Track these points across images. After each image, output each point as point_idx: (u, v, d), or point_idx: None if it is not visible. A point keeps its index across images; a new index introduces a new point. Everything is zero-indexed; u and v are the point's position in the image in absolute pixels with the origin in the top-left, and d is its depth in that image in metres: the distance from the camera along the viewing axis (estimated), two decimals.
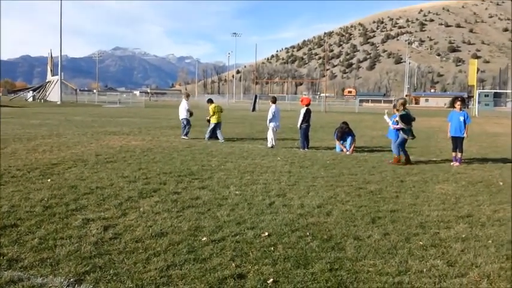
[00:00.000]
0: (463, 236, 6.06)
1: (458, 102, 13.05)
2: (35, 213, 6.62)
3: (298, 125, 15.83)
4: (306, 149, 15.46)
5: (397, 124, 12.98)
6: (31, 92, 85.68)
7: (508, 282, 4.59)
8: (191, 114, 19.40)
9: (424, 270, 4.83)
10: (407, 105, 13.49)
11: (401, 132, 12.88)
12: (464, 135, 12.78)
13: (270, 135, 16.10)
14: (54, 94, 76.59)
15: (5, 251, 5.08)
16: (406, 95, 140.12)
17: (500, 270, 4.88)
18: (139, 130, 22.15)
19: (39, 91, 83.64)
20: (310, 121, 15.98)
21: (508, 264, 5.08)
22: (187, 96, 20.59)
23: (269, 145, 15.99)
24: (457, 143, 12.79)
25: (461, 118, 12.74)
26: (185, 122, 18.99)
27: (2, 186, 8.43)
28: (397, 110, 13.13)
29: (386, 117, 14.28)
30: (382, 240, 5.80)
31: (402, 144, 12.82)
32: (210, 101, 19.03)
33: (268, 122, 16.12)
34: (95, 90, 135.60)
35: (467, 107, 62.63)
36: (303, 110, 15.84)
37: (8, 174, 9.55)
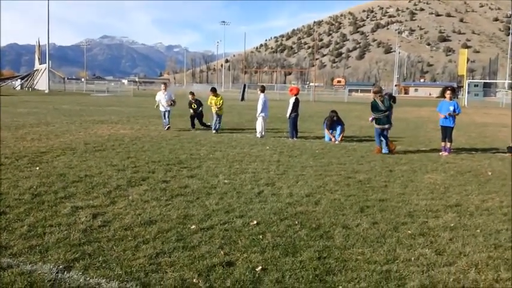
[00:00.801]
0: (452, 225, 6.12)
1: (449, 92, 13.12)
2: (23, 201, 6.58)
3: (288, 115, 15.81)
4: (295, 139, 15.47)
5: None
6: (19, 80, 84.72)
7: (496, 271, 4.64)
8: (173, 103, 18.15)
9: (412, 258, 4.87)
10: (383, 93, 13.44)
11: (374, 122, 12.95)
12: (453, 124, 12.88)
13: (259, 124, 16.07)
14: (42, 82, 75.79)
15: None
16: (396, 85, 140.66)
17: (488, 259, 4.93)
18: (127, 119, 22.04)
19: (27, 79, 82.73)
20: (298, 110, 15.98)
21: (496, 253, 5.13)
22: (165, 85, 18.82)
23: (258, 135, 15.97)
24: (447, 132, 12.87)
25: (451, 108, 12.81)
26: (167, 114, 17.69)
27: None
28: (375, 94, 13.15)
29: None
30: (371, 229, 5.83)
31: (382, 134, 12.84)
32: (214, 91, 17.76)
33: (259, 111, 16.05)
34: (83, 79, 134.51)
35: (457, 97, 63.08)
36: (292, 100, 15.81)
37: None
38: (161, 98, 17.92)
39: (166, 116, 17.59)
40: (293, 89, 16.42)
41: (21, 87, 78.53)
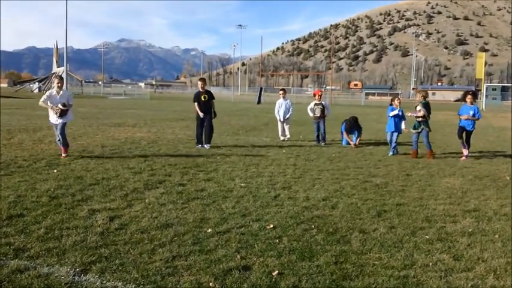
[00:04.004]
0: (470, 230, 6.04)
1: (469, 96, 12.98)
2: (41, 203, 6.64)
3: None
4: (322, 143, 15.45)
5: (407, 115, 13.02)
6: (37, 83, 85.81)
7: None
8: (63, 109, 10.91)
9: (430, 264, 4.81)
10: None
11: (423, 124, 12.73)
12: (472, 128, 12.79)
13: (287, 129, 16.35)
14: None
15: (11, 241, 5.10)
16: (413, 88, 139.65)
17: (507, 265, 4.85)
18: (144, 122, 22.17)
19: (45, 82, 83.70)
20: None
21: None
22: (60, 82, 11.20)
23: (286, 138, 16.14)
24: (465, 135, 12.76)
25: (471, 112, 12.70)
26: (59, 127, 10.99)
27: (8, 176, 8.46)
28: (422, 97, 12.96)
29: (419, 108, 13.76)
30: (388, 233, 5.78)
31: (427, 137, 12.72)
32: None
33: (289, 115, 16.40)
34: (100, 82, 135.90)
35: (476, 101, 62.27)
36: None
37: (14, 165, 9.58)
38: (52, 101, 11.11)
39: (59, 129, 10.98)
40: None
41: (39, 90, 79.50)
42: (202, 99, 13.68)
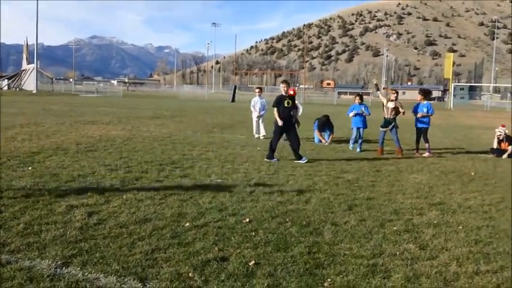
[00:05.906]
0: (435, 222, 6.35)
1: (421, 94, 13.67)
2: (18, 200, 6.66)
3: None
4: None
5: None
6: (6, 80, 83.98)
7: (476, 264, 4.87)
8: None
9: (397, 253, 5.09)
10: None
11: (394, 122, 13.18)
12: (428, 125, 13.45)
13: (263, 126, 16.67)
14: (29, 83, 75.21)
15: None
16: (384, 88, 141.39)
17: (469, 254, 5.16)
18: (118, 120, 22.03)
19: (14, 79, 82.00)
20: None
21: (476, 248, 5.37)
22: None
23: (261, 136, 16.45)
24: (422, 134, 13.25)
25: (425, 110, 13.25)
26: None
27: None
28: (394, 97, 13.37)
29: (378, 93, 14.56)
30: (358, 225, 6.04)
31: (396, 134, 13.15)
32: None
33: (263, 113, 16.75)
34: (71, 79, 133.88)
35: (431, 99, 63.61)
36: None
37: None
38: None
39: None
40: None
41: (8, 88, 77.81)
42: (285, 105, 11.51)
